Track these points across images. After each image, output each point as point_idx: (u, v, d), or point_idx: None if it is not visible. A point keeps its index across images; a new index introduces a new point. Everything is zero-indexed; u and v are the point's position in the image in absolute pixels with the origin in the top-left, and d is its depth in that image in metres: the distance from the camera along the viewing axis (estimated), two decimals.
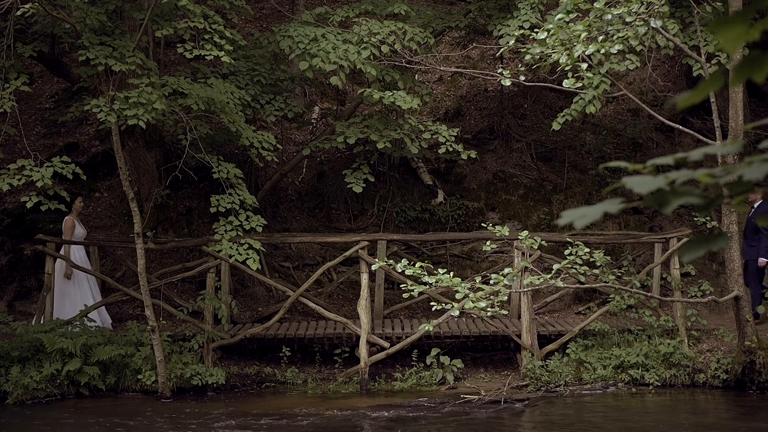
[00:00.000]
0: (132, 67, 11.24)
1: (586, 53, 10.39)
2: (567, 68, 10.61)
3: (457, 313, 10.03)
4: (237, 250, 11.93)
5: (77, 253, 13.36)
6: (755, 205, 12.96)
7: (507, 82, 11.55)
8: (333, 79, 12.30)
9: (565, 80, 10.87)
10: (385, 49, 12.52)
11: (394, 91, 12.48)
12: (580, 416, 10.80)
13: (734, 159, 10.58)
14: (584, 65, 10.79)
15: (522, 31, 11.47)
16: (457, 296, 9.74)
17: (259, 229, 12.27)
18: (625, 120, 16.78)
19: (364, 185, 13.28)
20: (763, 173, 1.63)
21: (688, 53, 11.79)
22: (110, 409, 11.09)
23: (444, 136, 12.99)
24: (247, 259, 11.90)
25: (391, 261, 10.87)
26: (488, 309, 9.68)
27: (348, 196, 15.30)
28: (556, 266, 10.27)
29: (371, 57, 12.44)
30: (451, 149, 12.98)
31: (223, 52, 11.38)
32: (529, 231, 12.71)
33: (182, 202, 15.29)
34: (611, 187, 1.90)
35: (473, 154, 13.29)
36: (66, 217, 13.49)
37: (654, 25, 10.46)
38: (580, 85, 10.97)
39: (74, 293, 13.12)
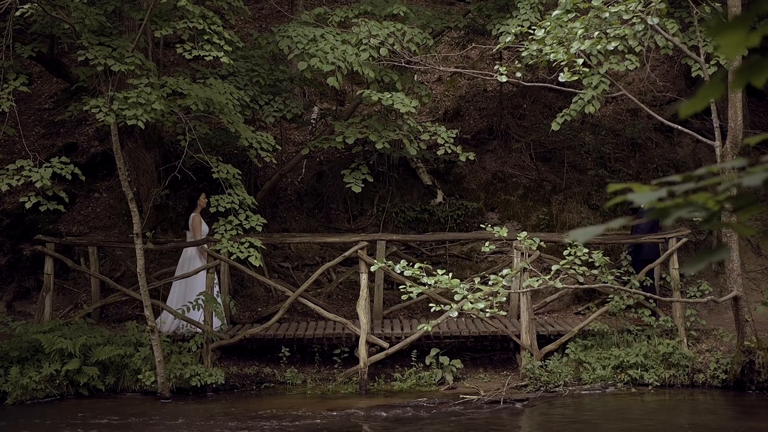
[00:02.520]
0: (131, 67, 11.24)
1: (582, 49, 10.40)
2: (563, 63, 10.62)
3: (455, 314, 10.04)
4: (238, 248, 11.93)
5: (197, 251, 13.25)
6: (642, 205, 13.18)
7: (503, 79, 11.57)
8: (330, 79, 12.30)
9: (561, 74, 10.88)
10: (384, 51, 12.51)
11: (393, 93, 12.47)
12: (579, 416, 10.80)
13: (732, 156, 10.58)
14: (580, 60, 10.80)
15: (520, 28, 11.47)
16: (456, 297, 9.74)
17: (259, 228, 12.26)
18: (624, 120, 16.78)
19: (363, 185, 13.28)
20: (761, 180, 1.63)
21: (687, 53, 11.79)
22: (109, 410, 11.09)
23: (443, 138, 12.98)
24: (248, 256, 11.88)
25: (390, 261, 10.87)
26: (487, 310, 9.68)
27: (347, 196, 15.30)
28: (554, 267, 10.28)
29: (370, 59, 12.44)
30: (449, 151, 12.98)
31: (222, 53, 11.37)
32: (529, 231, 12.72)
33: (181, 202, 15.28)
34: (613, 201, 1.91)
35: (471, 156, 13.27)
36: (192, 215, 13.20)
37: (651, 23, 10.47)
38: (576, 78, 10.98)
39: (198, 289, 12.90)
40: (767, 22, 1.70)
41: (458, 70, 15.75)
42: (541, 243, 11.49)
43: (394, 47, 12.60)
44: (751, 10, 1.63)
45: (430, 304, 10.46)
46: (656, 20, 10.47)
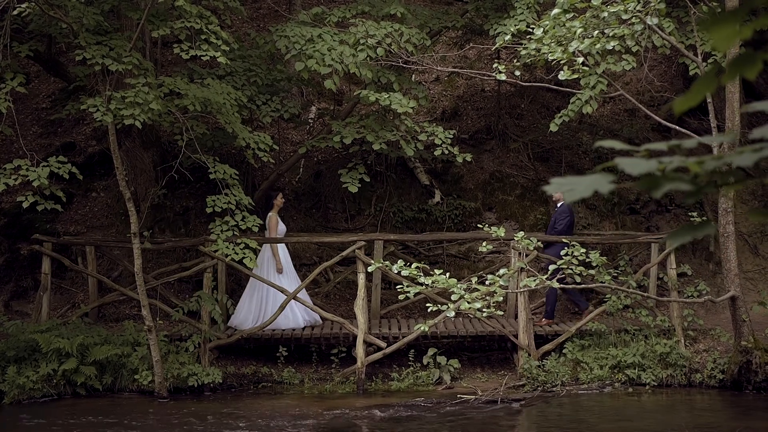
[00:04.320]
0: (129, 66, 11.23)
1: (581, 48, 10.40)
2: (563, 62, 10.63)
3: (452, 314, 10.04)
4: (233, 249, 11.93)
5: (281, 249, 13.27)
6: (558, 205, 13.20)
7: (502, 77, 11.57)
8: (327, 82, 12.31)
9: (561, 72, 10.88)
10: (381, 52, 12.51)
11: (390, 93, 12.47)
12: (576, 416, 10.81)
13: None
14: (580, 59, 10.81)
15: (518, 27, 11.47)
16: (453, 297, 9.74)
17: (255, 229, 12.28)
18: (622, 120, 16.79)
19: (360, 185, 13.26)
20: (752, 161, 1.64)
21: (685, 53, 11.80)
22: (107, 409, 11.08)
23: (440, 138, 12.98)
24: (243, 258, 11.90)
25: (387, 261, 10.87)
26: (484, 310, 9.68)
27: (345, 196, 15.29)
28: (552, 267, 10.28)
29: (367, 59, 12.44)
30: (446, 152, 12.97)
31: (219, 53, 11.37)
32: (526, 231, 12.72)
33: (179, 202, 15.28)
34: (603, 165, 1.90)
35: (468, 157, 13.27)
36: (269, 214, 13.26)
37: (650, 23, 10.47)
38: (576, 77, 10.99)
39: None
40: (762, 17, 1.71)
41: (456, 70, 15.75)
42: (539, 243, 11.49)
43: (392, 47, 12.60)
44: (743, 4, 1.63)
45: (428, 304, 10.46)
46: (655, 21, 10.47)
